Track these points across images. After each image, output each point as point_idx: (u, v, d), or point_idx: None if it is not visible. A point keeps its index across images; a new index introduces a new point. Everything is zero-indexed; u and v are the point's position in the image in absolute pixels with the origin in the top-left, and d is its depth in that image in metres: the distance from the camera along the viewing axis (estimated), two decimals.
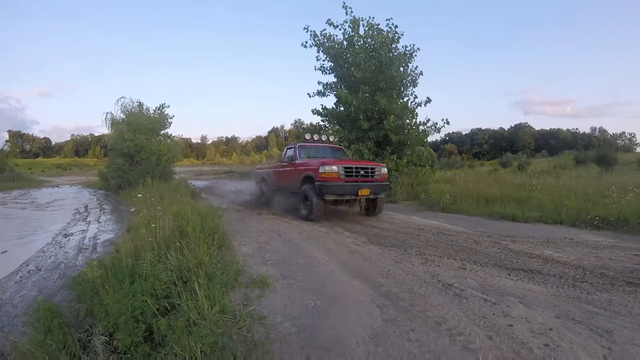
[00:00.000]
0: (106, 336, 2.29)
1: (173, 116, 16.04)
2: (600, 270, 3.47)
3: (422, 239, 4.90)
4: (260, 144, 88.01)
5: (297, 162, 7.19)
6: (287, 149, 8.13)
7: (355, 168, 6.40)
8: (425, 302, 2.68)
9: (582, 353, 2.02)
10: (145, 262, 2.95)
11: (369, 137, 10.73)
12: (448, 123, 11.16)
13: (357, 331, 2.24)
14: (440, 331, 2.24)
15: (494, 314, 2.46)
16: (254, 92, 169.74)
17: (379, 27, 10.98)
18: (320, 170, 6.19)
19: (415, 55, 11.15)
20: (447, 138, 58.00)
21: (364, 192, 6.21)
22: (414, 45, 11.19)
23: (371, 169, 6.56)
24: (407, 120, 10.81)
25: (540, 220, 6.11)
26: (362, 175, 6.38)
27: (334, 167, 6.21)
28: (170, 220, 4.17)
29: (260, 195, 9.23)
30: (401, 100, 11.04)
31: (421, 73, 11.22)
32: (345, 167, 6.30)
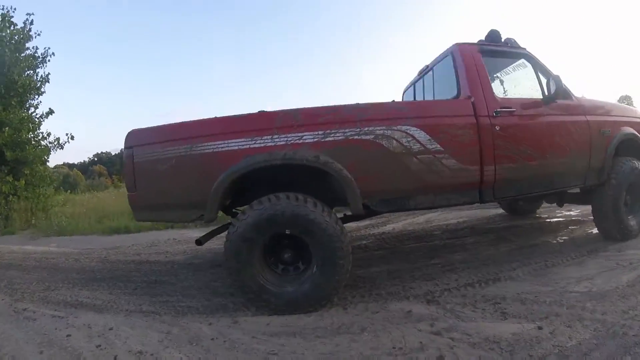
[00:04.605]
0: None
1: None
2: (190, 261, 3.84)
3: (22, 267, 4.30)
4: None
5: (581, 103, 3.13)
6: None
7: None
8: None
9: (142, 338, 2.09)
10: None
11: None
12: (73, 138, 9.71)
13: None
14: None
15: (56, 328, 2.37)
16: None
17: (11, 19, 8.55)
18: None
19: (49, 60, 9.43)
20: (96, 159, 50.63)
21: None
22: (48, 48, 9.39)
23: None
24: (28, 135, 8.88)
25: (154, 228, 6.24)
26: None
27: None
28: None
29: None
30: (24, 111, 9.05)
31: (47, 80, 9.49)
32: None
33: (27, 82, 9.03)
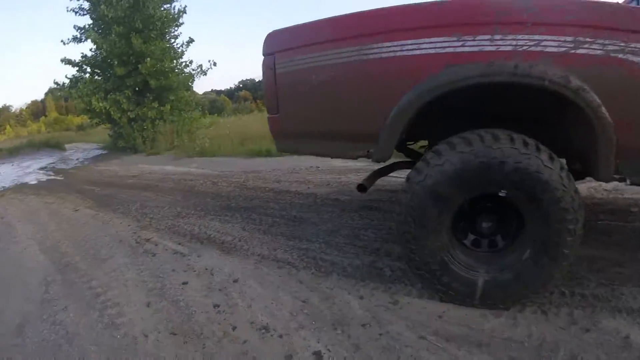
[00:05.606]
0: None
1: None
2: (335, 196, 3.25)
3: (158, 189, 4.31)
4: (37, 110, 54.87)
5: None
6: None
7: None
8: (101, 268, 2.27)
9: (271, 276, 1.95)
10: None
11: (126, 85, 9.07)
12: (215, 65, 10.33)
13: (4, 321, 1.83)
14: (94, 305, 1.85)
15: (173, 270, 2.12)
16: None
17: None
18: None
19: None
20: (241, 85, 54.64)
21: None
22: None
23: None
24: (170, 63, 9.52)
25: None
26: None
27: None
28: None
29: None
30: (167, 42, 9.76)
31: (184, 11, 9.94)
32: None
33: (165, 14, 9.47)
